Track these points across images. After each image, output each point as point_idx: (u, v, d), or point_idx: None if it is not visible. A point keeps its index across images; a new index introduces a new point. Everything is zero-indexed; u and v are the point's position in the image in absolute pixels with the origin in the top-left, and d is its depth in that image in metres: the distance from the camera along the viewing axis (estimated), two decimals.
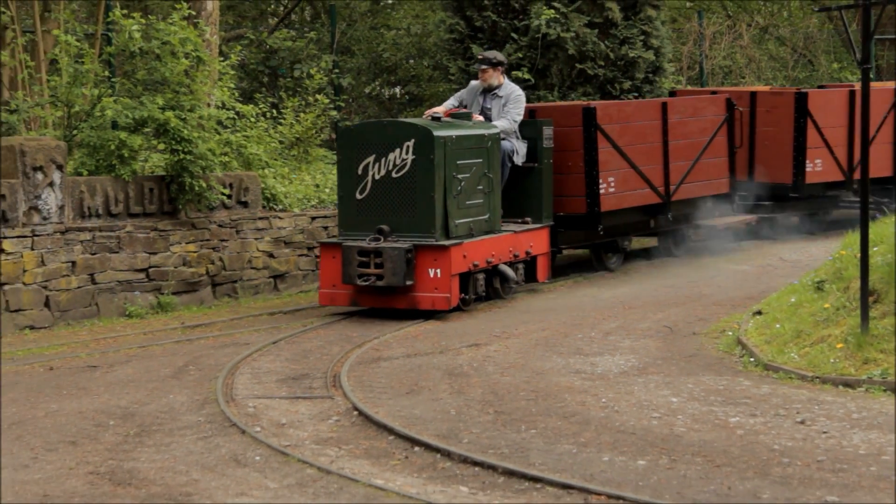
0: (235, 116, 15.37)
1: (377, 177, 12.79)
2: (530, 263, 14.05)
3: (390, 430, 8.42)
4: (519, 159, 14.18)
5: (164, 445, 8.25)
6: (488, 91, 14.39)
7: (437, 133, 12.69)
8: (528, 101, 18.65)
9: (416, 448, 8.05)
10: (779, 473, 7.31)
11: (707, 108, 16.60)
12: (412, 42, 22.62)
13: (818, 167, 17.51)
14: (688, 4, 28.50)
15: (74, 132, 13.96)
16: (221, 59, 15.80)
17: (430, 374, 10.13)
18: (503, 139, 13.90)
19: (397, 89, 22.61)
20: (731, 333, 11.30)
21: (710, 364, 10.32)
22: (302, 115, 17.26)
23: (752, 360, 10.25)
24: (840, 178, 17.87)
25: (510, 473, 7.44)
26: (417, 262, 12.54)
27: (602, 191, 14.84)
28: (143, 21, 14.10)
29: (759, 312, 11.54)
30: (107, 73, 15.16)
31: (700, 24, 23.53)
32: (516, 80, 18.74)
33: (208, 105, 14.61)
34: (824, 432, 8.12)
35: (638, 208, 15.67)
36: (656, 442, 8.01)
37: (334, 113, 18.72)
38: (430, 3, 24.26)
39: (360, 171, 12.87)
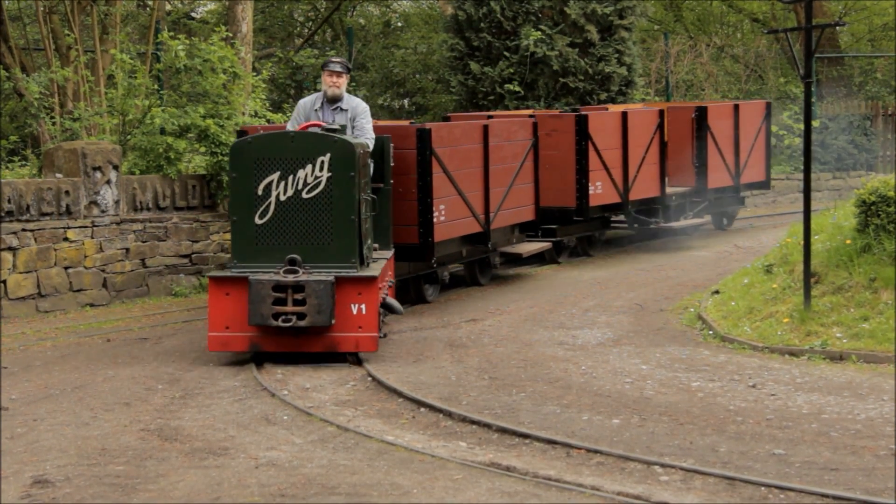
0: (266, 124, 15.32)
1: (283, 198, 9.46)
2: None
3: (399, 394, 8.39)
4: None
5: (205, 406, 8.23)
6: (331, 103, 10.65)
7: (356, 147, 9.63)
8: (516, 108, 18.69)
9: (422, 409, 8.03)
10: (734, 430, 7.29)
11: (518, 131, 13.52)
12: (419, 59, 22.60)
13: (599, 189, 15.16)
14: (655, 27, 28.41)
15: (128, 137, 13.92)
16: (254, 74, 15.75)
17: (433, 346, 10.10)
18: None
19: (406, 100, 22.54)
20: (692, 310, 11.27)
21: (674, 336, 10.29)
22: None
23: (710, 332, 10.22)
24: (617, 199, 15.56)
25: (503, 431, 7.41)
26: (338, 296, 9.29)
27: (435, 220, 11.70)
28: (187, 42, 14.08)
29: (717, 292, 11.51)
30: (156, 87, 15.12)
31: (666, 44, 23.44)
32: (508, 93, 18.76)
33: (243, 114, 14.58)
34: (772, 395, 8.09)
35: (460, 237, 12.48)
36: (629, 403, 7.98)
37: None
38: (433, 26, 24.20)
39: (260, 192, 9.50)
